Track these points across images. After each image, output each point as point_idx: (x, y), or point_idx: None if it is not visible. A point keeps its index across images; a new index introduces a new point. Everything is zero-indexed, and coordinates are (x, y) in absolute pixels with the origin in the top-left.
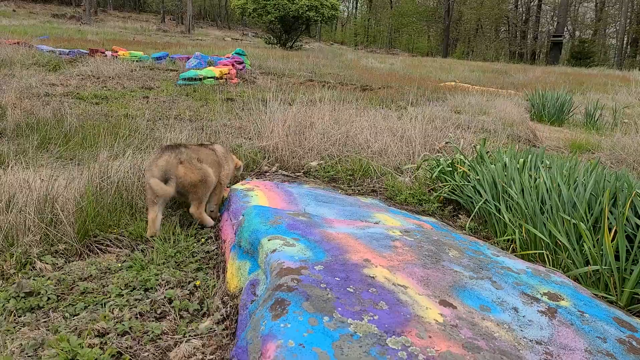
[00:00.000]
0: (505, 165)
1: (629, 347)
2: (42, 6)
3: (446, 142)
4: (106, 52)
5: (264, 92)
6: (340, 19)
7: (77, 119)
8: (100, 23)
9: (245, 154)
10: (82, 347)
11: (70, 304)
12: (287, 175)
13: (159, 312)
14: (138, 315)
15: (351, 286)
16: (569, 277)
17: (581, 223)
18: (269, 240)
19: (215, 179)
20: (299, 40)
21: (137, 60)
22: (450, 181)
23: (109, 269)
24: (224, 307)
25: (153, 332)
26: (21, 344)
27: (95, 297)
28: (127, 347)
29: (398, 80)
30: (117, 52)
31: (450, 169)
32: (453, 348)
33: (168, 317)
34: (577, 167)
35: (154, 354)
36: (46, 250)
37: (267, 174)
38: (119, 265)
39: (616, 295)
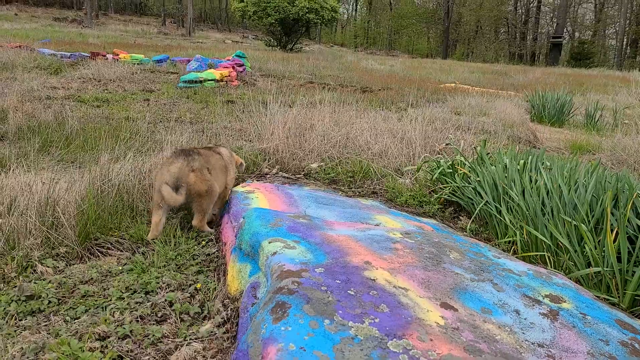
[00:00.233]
0: (506, 166)
1: (631, 350)
2: (43, 10)
3: (446, 144)
4: (107, 55)
5: (264, 94)
6: (340, 21)
7: (78, 122)
8: (102, 26)
9: (245, 156)
10: (83, 350)
11: (71, 307)
12: (287, 177)
13: (159, 315)
14: (139, 319)
15: (352, 289)
16: (570, 279)
17: (582, 224)
18: (269, 242)
19: (222, 187)
20: (299, 43)
21: (138, 63)
22: (451, 183)
23: (109, 272)
24: (224, 310)
25: (154, 335)
26: (22, 348)
27: (96, 301)
28: (127, 351)
29: (398, 81)
30: (118, 55)
31: (451, 170)
32: (454, 351)
33: (169, 320)
34: (578, 168)
35: (154, 358)
36: (47, 253)
37: (268, 176)
38: (120, 268)
39: (618, 297)
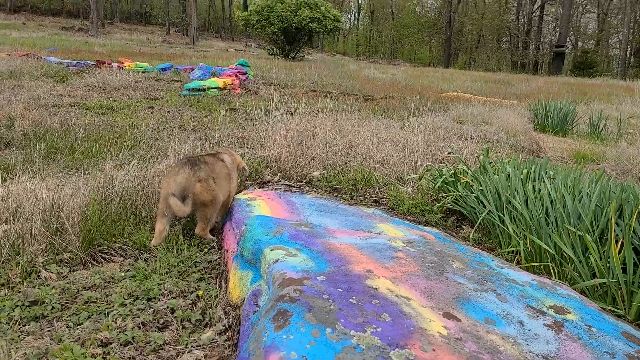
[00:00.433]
0: (509, 175)
1: None
2: (51, 19)
3: (449, 153)
4: (112, 64)
5: (266, 102)
6: (343, 30)
7: (83, 129)
8: (107, 35)
9: (248, 163)
10: (86, 356)
11: (74, 313)
12: (289, 185)
13: (161, 322)
14: (141, 325)
15: (354, 297)
16: (575, 290)
17: (587, 235)
18: (271, 250)
19: (225, 196)
20: (302, 51)
21: (142, 72)
22: (453, 191)
23: (112, 278)
24: (226, 318)
25: (155, 342)
26: (25, 353)
27: (98, 307)
28: (129, 357)
29: (400, 90)
30: (123, 63)
31: (453, 179)
32: None
33: (170, 327)
34: (582, 178)
35: None
36: (51, 259)
37: (270, 183)
38: (123, 274)
39: (624, 309)
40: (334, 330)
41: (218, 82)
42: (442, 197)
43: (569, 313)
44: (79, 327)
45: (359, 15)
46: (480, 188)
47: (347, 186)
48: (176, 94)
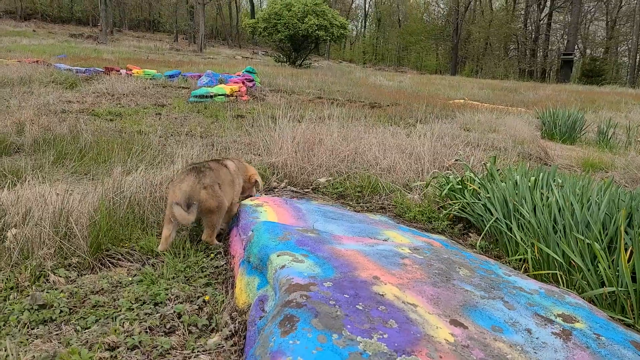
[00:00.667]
0: (516, 183)
1: None
2: (60, 26)
3: (455, 160)
4: (121, 71)
5: (273, 109)
6: (349, 37)
7: (92, 135)
8: (116, 42)
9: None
10: None
11: (82, 317)
12: (295, 192)
13: (168, 326)
14: (148, 330)
15: (360, 303)
16: (583, 298)
17: (595, 243)
18: (278, 256)
19: (229, 202)
20: (308, 59)
21: (150, 78)
22: (460, 199)
23: (120, 282)
24: (232, 323)
25: (162, 346)
26: (34, 356)
27: (106, 311)
28: None
29: (406, 97)
30: (131, 70)
31: (460, 186)
32: None
33: (177, 332)
34: (591, 186)
35: None
36: (60, 263)
37: (276, 190)
38: (130, 279)
39: (633, 317)
40: (341, 336)
41: (225, 89)
42: (449, 204)
43: (578, 322)
44: (86, 330)
45: (365, 22)
46: (488, 195)
47: (354, 193)
48: (183, 101)
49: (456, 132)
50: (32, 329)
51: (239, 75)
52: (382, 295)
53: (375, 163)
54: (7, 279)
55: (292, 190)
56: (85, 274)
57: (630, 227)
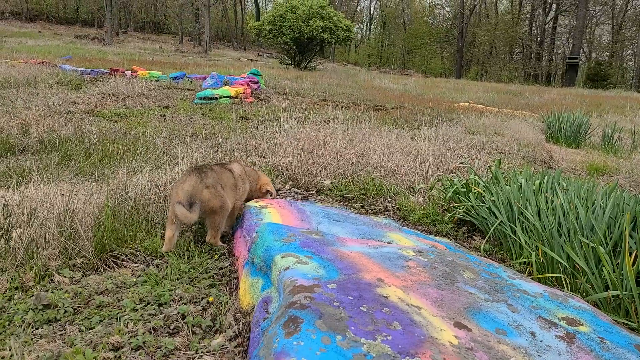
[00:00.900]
0: (521, 186)
1: None
2: (66, 28)
3: (460, 163)
4: (126, 72)
5: (278, 111)
6: (354, 40)
7: (97, 136)
8: (121, 44)
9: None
10: None
11: (86, 317)
12: (300, 194)
13: (172, 327)
14: (152, 330)
15: (364, 305)
16: (587, 302)
17: (600, 247)
18: (282, 257)
19: (231, 204)
20: (313, 61)
21: (155, 80)
22: (465, 202)
23: (124, 283)
24: (236, 324)
25: (166, 347)
26: (38, 356)
27: (110, 311)
28: None
29: (411, 100)
30: (136, 71)
31: (465, 189)
32: None
33: (181, 333)
34: (595, 190)
35: None
36: (64, 263)
37: (281, 192)
38: (134, 280)
39: (637, 322)
40: (345, 337)
41: (230, 90)
42: (454, 207)
43: (582, 325)
44: (90, 331)
45: (370, 25)
46: (492, 199)
47: (358, 195)
48: (188, 102)
49: (461, 135)
50: (37, 328)
51: (243, 77)
52: (386, 297)
53: (379, 166)
54: (12, 278)
55: (296, 192)
56: (89, 275)
57: (635, 231)
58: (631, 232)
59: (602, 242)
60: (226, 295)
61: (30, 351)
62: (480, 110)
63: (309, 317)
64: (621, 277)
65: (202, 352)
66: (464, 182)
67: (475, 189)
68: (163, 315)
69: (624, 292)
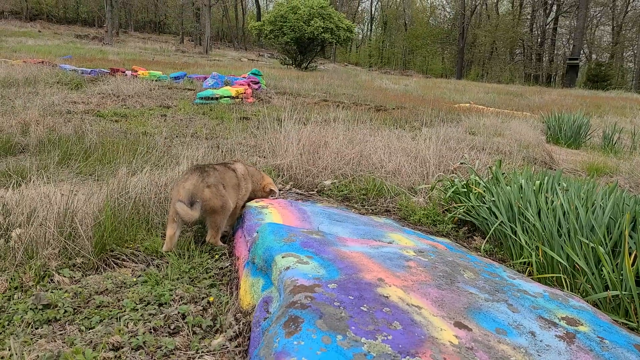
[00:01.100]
0: (521, 187)
1: None
2: (66, 27)
3: (461, 163)
4: (126, 72)
5: (278, 112)
6: (355, 40)
7: (97, 136)
8: (122, 43)
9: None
10: None
11: (86, 317)
12: (300, 194)
13: (172, 327)
14: (152, 330)
15: (365, 305)
16: (587, 302)
17: (600, 247)
18: (282, 257)
19: (233, 204)
20: (314, 61)
21: (156, 80)
22: (465, 202)
23: (124, 283)
24: (236, 324)
25: (166, 347)
26: (38, 356)
27: (110, 311)
28: None
29: (412, 101)
30: (136, 71)
31: (465, 189)
32: None
33: (181, 333)
34: (595, 190)
35: None
36: (64, 263)
37: (281, 192)
38: (134, 279)
39: (637, 321)
40: (345, 337)
41: (231, 90)
42: (454, 207)
43: (581, 325)
44: (90, 330)
45: (371, 26)
46: (493, 199)
47: (359, 195)
48: (189, 102)
49: (461, 136)
50: (36, 328)
51: (244, 78)
52: (387, 297)
53: (380, 166)
54: (11, 278)
55: (297, 193)
56: (89, 274)
57: (635, 231)
58: (631, 233)
59: (602, 242)
60: (227, 295)
61: (29, 351)
62: (481, 110)
63: (310, 317)
64: (621, 277)
65: (202, 352)
66: (465, 182)
67: (475, 190)
68: (163, 315)
69: (623, 292)
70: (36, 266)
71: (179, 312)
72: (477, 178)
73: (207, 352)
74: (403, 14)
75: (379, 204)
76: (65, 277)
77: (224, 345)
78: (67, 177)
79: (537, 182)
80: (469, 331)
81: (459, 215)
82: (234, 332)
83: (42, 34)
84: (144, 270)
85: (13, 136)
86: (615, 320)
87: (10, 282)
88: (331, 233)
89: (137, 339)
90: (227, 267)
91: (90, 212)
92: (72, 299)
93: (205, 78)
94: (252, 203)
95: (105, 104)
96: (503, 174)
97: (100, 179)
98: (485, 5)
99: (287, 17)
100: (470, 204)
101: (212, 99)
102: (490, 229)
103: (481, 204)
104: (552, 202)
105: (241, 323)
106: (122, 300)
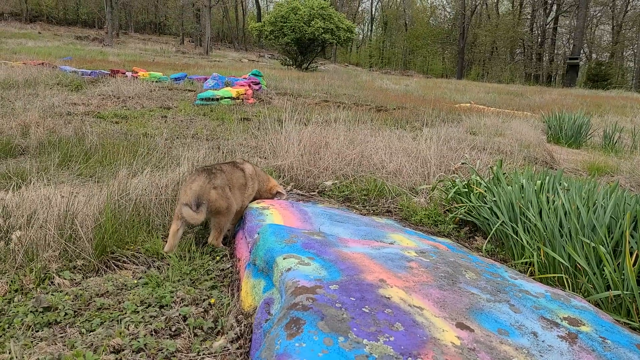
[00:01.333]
0: (522, 186)
1: None
2: (66, 28)
3: (462, 163)
4: (126, 73)
5: (279, 112)
6: (356, 41)
7: (97, 138)
8: (122, 45)
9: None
10: None
11: (86, 320)
12: (301, 195)
13: (173, 329)
14: (153, 332)
15: (366, 306)
16: (589, 302)
17: (601, 247)
18: (284, 258)
19: (238, 206)
20: (315, 62)
21: (156, 81)
22: (466, 202)
23: (125, 285)
24: (238, 326)
25: (167, 349)
26: (38, 359)
27: (111, 313)
28: None
29: (413, 101)
30: (137, 72)
31: (466, 190)
32: None
33: (182, 335)
34: (596, 190)
35: None
36: (65, 265)
37: None
38: (135, 281)
39: (639, 321)
40: (347, 338)
41: (231, 91)
42: (455, 207)
43: (583, 325)
44: (91, 333)
45: (372, 26)
46: (494, 199)
47: (360, 196)
48: (189, 104)
49: (462, 136)
50: (37, 331)
51: (245, 78)
52: (389, 298)
53: (381, 166)
54: (11, 281)
55: (298, 194)
56: (90, 277)
57: (636, 231)
58: (632, 232)
59: (603, 242)
60: (228, 296)
61: (30, 354)
62: (482, 110)
63: (311, 319)
64: (622, 277)
65: (203, 354)
66: (466, 182)
67: (476, 190)
68: (164, 317)
69: (625, 292)
70: (36, 268)
71: (180, 314)
72: (478, 178)
73: (209, 354)
74: (403, 14)
75: (380, 204)
76: (65, 279)
77: (225, 347)
78: (68, 179)
79: (538, 182)
80: (471, 332)
81: (460, 216)
82: (235, 334)
83: (42, 35)
84: (145, 272)
85: (13, 138)
86: (617, 320)
87: (10, 285)
88: (332, 234)
89: (138, 341)
90: (228, 268)
91: (90, 214)
92: (72, 301)
93: (206, 79)
94: (253, 204)
95: (105, 106)
96: (504, 173)
97: (100, 181)
98: (486, 5)
99: (287, 18)
100: (472, 204)
101: (212, 100)
102: (491, 229)
103: (482, 204)
104: (554, 202)
105: (242, 325)
106: (123, 302)
